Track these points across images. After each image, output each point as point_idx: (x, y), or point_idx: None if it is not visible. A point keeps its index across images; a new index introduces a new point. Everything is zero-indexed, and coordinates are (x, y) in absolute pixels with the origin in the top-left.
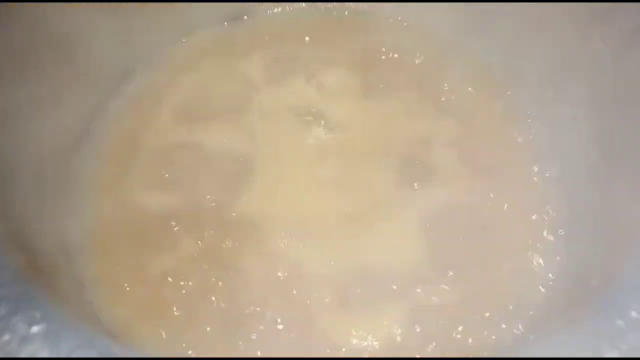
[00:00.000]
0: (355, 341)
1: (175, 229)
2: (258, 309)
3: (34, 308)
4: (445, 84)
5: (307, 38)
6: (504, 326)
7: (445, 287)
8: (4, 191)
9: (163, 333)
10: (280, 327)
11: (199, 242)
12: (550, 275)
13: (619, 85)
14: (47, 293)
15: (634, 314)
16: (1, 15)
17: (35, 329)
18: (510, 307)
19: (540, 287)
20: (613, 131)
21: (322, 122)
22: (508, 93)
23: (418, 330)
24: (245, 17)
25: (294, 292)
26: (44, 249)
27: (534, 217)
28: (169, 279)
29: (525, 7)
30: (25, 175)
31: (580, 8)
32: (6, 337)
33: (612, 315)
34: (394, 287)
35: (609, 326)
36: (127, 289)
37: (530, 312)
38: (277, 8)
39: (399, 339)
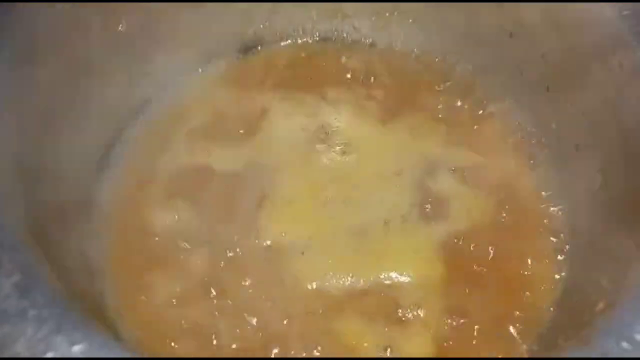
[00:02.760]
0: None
1: (190, 249)
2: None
3: (74, 328)
4: (455, 110)
5: (318, 66)
6: (512, 345)
7: (459, 304)
8: (33, 216)
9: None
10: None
11: (214, 262)
12: (558, 296)
13: (621, 117)
14: (84, 313)
15: (638, 336)
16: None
17: (76, 348)
18: (520, 326)
19: (549, 308)
20: (616, 161)
21: (335, 144)
22: (516, 122)
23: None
24: (259, 48)
25: (314, 309)
26: (70, 271)
27: (541, 241)
28: (184, 301)
29: (530, 40)
30: (51, 200)
31: (583, 42)
32: (49, 355)
33: (617, 338)
34: (409, 303)
35: (614, 348)
36: (144, 310)
37: (538, 333)
38: (290, 40)
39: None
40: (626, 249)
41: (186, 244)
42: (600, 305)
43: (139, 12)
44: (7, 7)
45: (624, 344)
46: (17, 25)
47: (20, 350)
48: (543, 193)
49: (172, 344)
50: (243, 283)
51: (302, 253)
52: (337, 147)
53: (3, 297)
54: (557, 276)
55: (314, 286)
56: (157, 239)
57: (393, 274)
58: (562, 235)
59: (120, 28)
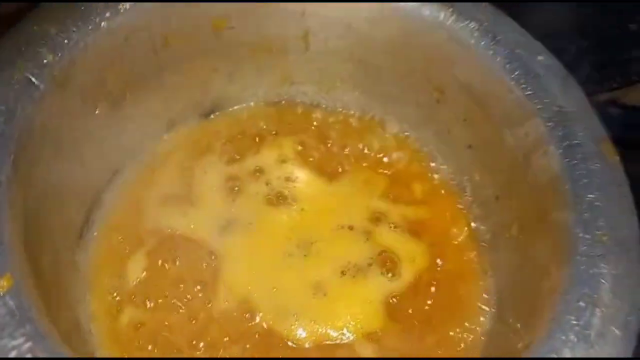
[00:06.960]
0: None
1: (164, 306)
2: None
3: None
4: (394, 165)
5: (269, 128)
6: None
7: (400, 348)
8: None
9: None
10: None
11: (189, 318)
12: (482, 338)
13: (530, 177)
14: None
15: None
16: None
17: None
18: None
19: (478, 349)
20: (528, 210)
21: (292, 202)
22: (446, 175)
23: None
24: (217, 113)
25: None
26: (64, 332)
27: (473, 285)
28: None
29: (453, 107)
30: (46, 268)
31: (496, 113)
32: None
33: None
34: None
35: None
36: None
37: None
38: (243, 104)
39: None
40: (540, 291)
41: (161, 302)
42: (520, 346)
43: (113, 92)
44: None
45: None
46: None
47: None
48: (474, 238)
49: None
50: (213, 333)
51: (265, 308)
52: (294, 205)
53: None
54: (487, 319)
55: (278, 329)
56: (134, 298)
57: (345, 322)
58: (489, 276)
59: (97, 111)
